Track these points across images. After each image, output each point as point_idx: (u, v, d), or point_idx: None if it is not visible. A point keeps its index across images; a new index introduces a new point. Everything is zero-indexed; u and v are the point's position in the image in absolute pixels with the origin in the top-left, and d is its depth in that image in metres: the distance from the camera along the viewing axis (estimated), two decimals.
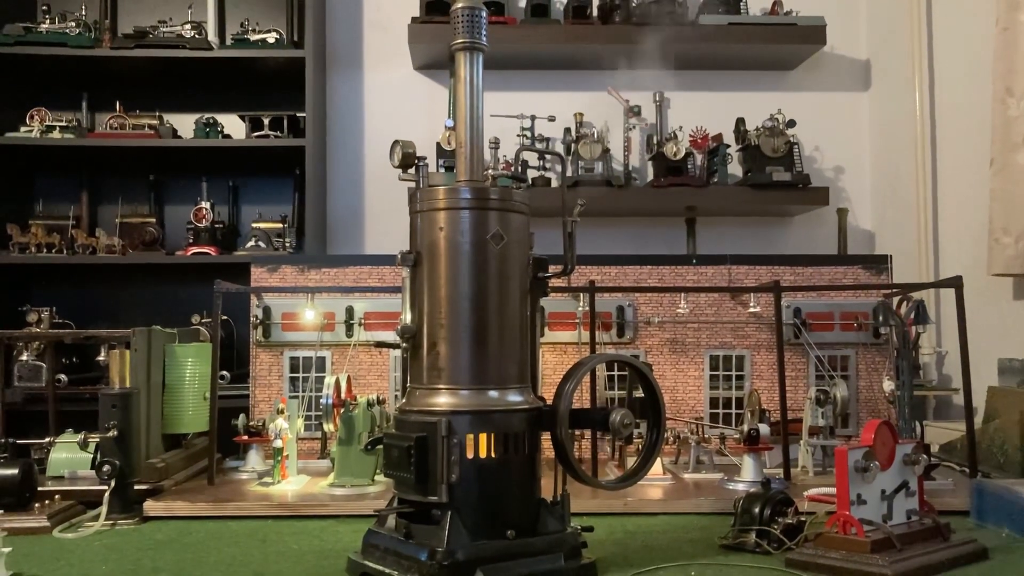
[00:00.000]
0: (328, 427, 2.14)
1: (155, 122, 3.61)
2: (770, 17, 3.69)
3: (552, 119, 3.67)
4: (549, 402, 1.52)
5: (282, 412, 2.22)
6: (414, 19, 3.58)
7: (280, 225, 3.66)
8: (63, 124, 3.57)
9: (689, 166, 3.60)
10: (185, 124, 3.70)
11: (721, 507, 1.92)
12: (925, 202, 3.35)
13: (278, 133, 3.59)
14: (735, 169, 3.69)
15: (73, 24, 3.55)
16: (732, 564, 1.57)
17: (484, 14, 1.55)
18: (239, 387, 2.65)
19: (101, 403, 1.96)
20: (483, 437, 1.43)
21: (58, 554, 1.67)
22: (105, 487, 1.90)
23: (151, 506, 1.98)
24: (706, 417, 2.51)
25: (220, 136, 3.65)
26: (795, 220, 3.90)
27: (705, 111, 3.83)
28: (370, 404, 2.18)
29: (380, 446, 1.56)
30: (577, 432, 2.36)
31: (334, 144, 3.88)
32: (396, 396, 2.44)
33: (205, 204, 3.61)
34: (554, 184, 3.60)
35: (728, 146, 3.64)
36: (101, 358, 2.85)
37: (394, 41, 3.81)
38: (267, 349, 2.54)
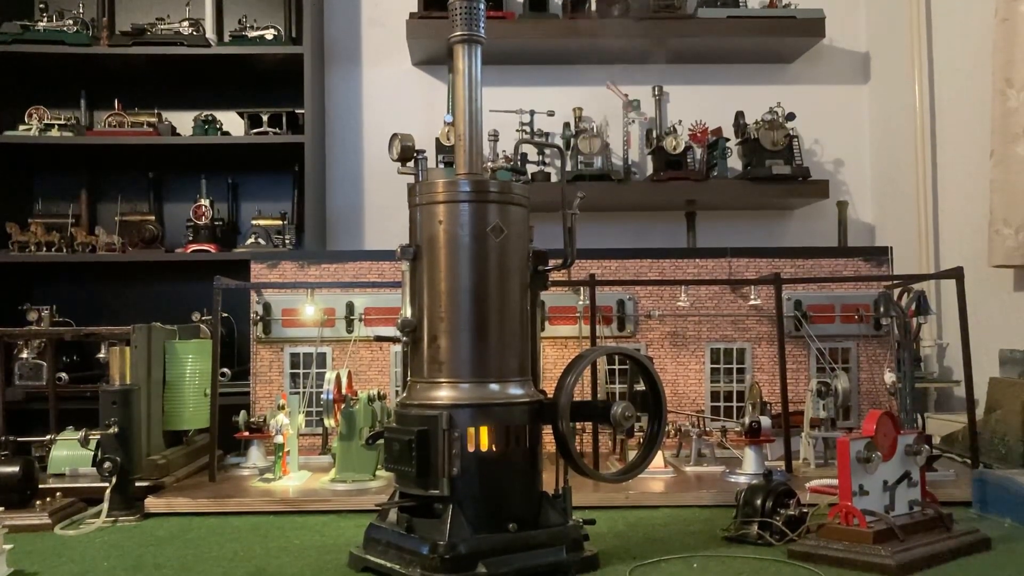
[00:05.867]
0: (329, 423, 2.14)
1: (154, 120, 3.60)
2: (769, 10, 3.68)
3: (551, 114, 3.66)
4: (550, 395, 1.52)
5: (283, 408, 2.22)
6: (412, 15, 3.57)
7: (280, 222, 3.65)
8: (62, 122, 3.56)
9: (689, 160, 3.59)
10: (184, 121, 3.69)
11: (723, 499, 1.92)
12: (925, 194, 3.34)
13: (277, 130, 3.58)
14: (735, 163, 3.68)
15: (70, 22, 3.53)
16: (734, 556, 1.56)
17: (482, 6, 1.54)
18: (240, 384, 2.65)
19: (101, 400, 1.96)
20: (484, 430, 1.44)
21: (59, 551, 1.67)
22: (106, 484, 1.90)
23: (152, 503, 1.98)
24: (707, 410, 2.50)
25: (219, 133, 3.64)
26: (795, 213, 3.89)
27: (704, 105, 3.82)
28: (371, 399, 2.18)
29: (381, 441, 1.56)
30: (578, 426, 2.36)
31: (333, 140, 3.87)
32: (397, 391, 2.44)
33: (204, 201, 3.60)
34: (554, 179, 3.59)
35: (728, 140, 3.64)
36: (101, 355, 2.85)
37: (392, 37, 3.80)
38: (267, 345, 2.53)
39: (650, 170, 3.71)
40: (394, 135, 1.54)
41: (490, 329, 1.48)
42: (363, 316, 2.51)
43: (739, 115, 3.67)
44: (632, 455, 1.62)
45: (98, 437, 1.97)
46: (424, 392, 1.48)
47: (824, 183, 3.59)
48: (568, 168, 3.56)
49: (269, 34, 3.61)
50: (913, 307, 2.21)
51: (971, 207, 3.07)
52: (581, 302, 2.49)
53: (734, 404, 2.52)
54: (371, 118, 3.88)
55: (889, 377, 2.31)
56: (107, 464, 1.90)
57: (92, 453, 2.05)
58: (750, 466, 2.12)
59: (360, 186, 3.87)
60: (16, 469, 1.89)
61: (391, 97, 3.88)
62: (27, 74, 3.70)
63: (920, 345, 3.09)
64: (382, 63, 3.89)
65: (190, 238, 3.60)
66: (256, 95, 3.78)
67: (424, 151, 1.56)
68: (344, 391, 2.15)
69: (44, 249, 3.49)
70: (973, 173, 3.05)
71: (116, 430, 1.93)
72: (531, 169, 3.59)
